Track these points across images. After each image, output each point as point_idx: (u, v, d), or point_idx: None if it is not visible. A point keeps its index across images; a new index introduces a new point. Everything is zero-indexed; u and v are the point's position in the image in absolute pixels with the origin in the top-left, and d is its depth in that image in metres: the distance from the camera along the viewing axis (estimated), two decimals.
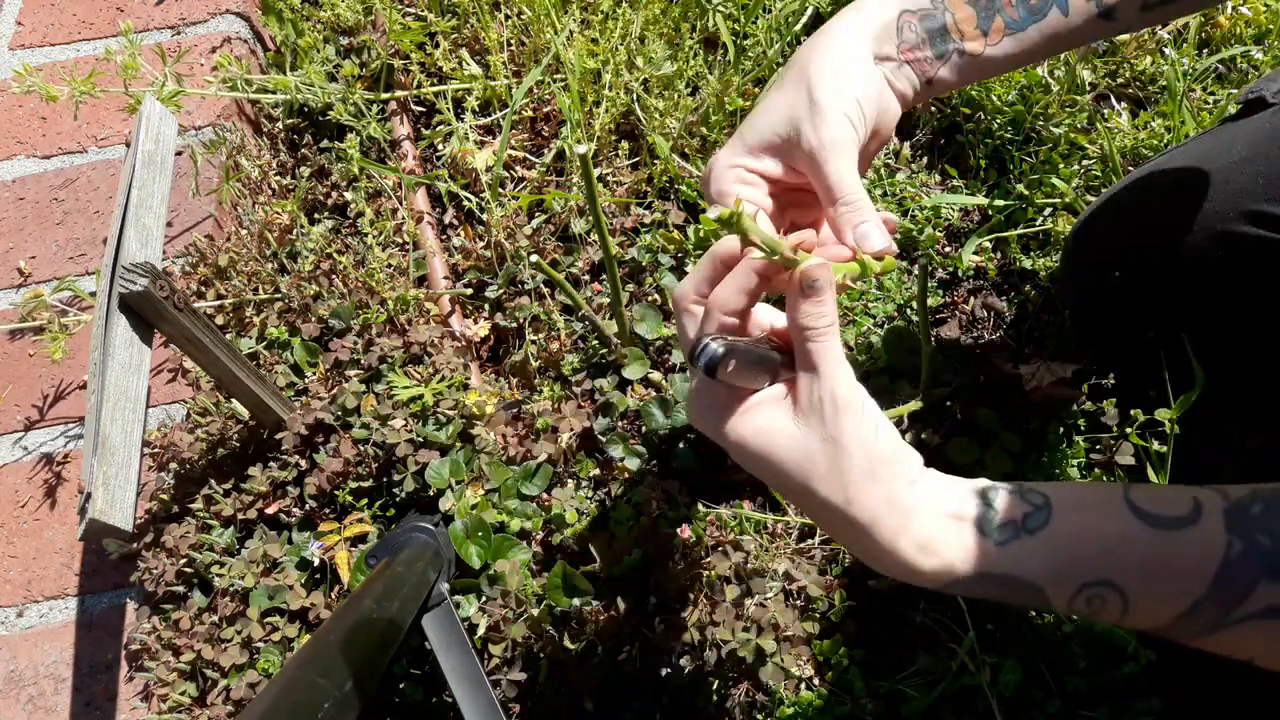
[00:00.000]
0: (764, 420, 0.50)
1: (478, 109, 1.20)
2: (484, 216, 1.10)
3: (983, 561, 0.49)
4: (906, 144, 1.13)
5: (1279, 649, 0.47)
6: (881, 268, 0.56)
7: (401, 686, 0.87)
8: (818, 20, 1.19)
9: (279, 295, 1.08)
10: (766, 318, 0.56)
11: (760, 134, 0.59)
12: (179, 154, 1.15)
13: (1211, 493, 0.48)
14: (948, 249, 1.07)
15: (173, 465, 0.99)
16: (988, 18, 0.61)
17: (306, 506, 0.95)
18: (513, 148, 1.17)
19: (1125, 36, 1.09)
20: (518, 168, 1.18)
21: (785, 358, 0.52)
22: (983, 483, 0.52)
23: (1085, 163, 1.06)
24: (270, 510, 0.95)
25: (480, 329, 1.08)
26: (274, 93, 1.19)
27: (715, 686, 0.84)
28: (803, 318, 0.50)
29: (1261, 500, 0.47)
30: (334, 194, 1.19)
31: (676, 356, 1.01)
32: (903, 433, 0.90)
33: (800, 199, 0.62)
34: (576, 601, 0.85)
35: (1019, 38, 0.62)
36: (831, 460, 0.48)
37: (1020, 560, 0.49)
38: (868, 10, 0.61)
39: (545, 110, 1.20)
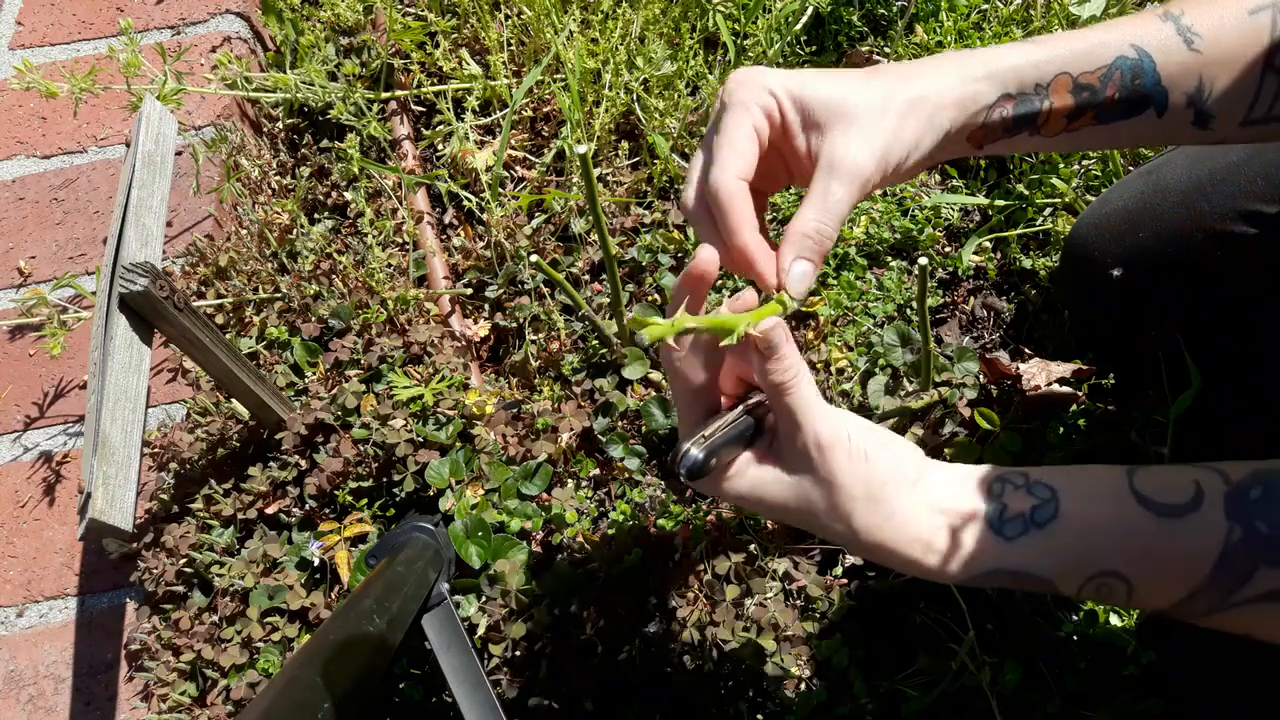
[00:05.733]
0: (754, 475, 0.54)
1: (478, 109, 1.20)
2: (484, 216, 1.10)
3: (994, 558, 0.51)
4: None
5: (1277, 630, 0.49)
6: (793, 308, 0.55)
7: (401, 686, 0.87)
8: (818, 20, 1.18)
9: (279, 295, 1.08)
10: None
11: (815, 95, 0.54)
12: (179, 153, 1.15)
13: (1213, 475, 0.49)
14: (948, 249, 1.07)
15: (173, 465, 0.99)
16: (1081, 110, 0.57)
17: (306, 506, 0.95)
18: (513, 148, 1.17)
19: None
20: (518, 168, 1.18)
21: (756, 419, 0.56)
22: (987, 471, 0.53)
23: (1085, 163, 1.06)
24: (270, 510, 0.95)
25: (480, 329, 1.08)
26: (274, 92, 1.19)
27: (715, 686, 0.84)
28: (771, 376, 0.52)
29: (1261, 484, 0.48)
30: (334, 194, 1.19)
31: None
32: (902, 431, 0.90)
33: (767, 167, 0.58)
34: (576, 601, 0.85)
35: (1100, 131, 0.58)
36: (829, 499, 0.51)
37: (1030, 555, 0.50)
38: (967, 78, 0.56)
39: (545, 110, 1.20)
